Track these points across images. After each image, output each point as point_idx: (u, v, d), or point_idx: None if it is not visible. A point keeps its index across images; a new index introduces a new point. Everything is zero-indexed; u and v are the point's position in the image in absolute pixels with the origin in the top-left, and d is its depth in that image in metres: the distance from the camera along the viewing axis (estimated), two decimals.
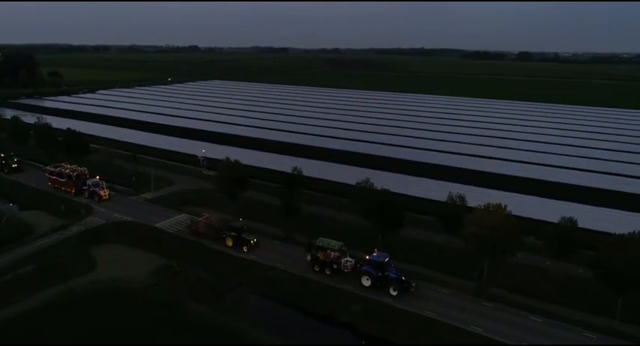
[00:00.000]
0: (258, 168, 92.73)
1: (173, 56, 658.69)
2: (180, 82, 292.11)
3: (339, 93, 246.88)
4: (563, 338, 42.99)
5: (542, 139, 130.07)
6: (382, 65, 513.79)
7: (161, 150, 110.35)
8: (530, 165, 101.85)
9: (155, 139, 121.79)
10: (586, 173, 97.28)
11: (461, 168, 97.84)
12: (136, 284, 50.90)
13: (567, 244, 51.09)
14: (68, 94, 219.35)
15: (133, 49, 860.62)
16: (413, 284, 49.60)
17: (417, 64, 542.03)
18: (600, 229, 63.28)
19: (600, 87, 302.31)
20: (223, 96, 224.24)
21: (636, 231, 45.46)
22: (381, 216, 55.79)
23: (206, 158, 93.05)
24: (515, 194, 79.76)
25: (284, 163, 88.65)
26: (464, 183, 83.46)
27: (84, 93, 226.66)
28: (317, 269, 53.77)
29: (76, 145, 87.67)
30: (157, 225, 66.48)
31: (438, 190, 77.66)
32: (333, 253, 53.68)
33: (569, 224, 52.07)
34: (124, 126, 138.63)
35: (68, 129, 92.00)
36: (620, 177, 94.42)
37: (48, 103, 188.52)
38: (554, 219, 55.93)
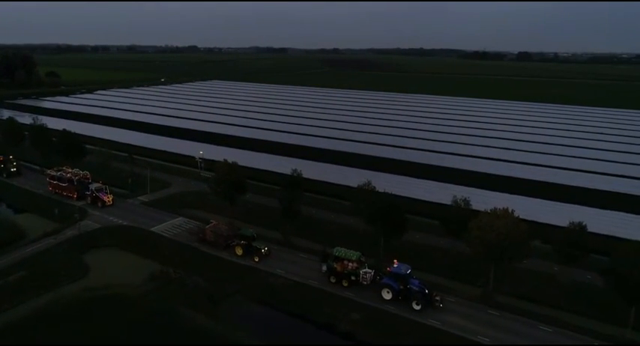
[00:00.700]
0: (257, 169, 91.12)
1: (172, 56, 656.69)
2: (180, 83, 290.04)
3: (338, 93, 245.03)
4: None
5: (546, 140, 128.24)
6: (381, 65, 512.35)
7: (158, 151, 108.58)
8: (535, 167, 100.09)
9: (152, 140, 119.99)
10: (592, 175, 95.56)
11: (464, 170, 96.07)
12: (130, 291, 49.18)
13: (577, 250, 49.42)
14: (66, 95, 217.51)
15: (132, 49, 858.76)
16: (437, 298, 46.70)
17: (416, 64, 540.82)
18: (609, 233, 61.65)
19: (601, 88, 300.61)
20: (222, 96, 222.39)
21: None
22: (384, 219, 53.94)
23: (204, 159, 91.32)
24: (520, 196, 78.10)
25: (283, 165, 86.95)
26: (467, 186, 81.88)
27: (82, 93, 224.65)
28: (333, 281, 50.92)
29: (72, 147, 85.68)
30: (153, 228, 64.73)
31: (441, 193, 76.22)
32: (350, 264, 50.75)
33: (578, 228, 50.38)
34: (122, 127, 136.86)
35: (64, 130, 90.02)
36: (627, 179, 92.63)
37: (45, 104, 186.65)
38: (561, 222, 54.37)
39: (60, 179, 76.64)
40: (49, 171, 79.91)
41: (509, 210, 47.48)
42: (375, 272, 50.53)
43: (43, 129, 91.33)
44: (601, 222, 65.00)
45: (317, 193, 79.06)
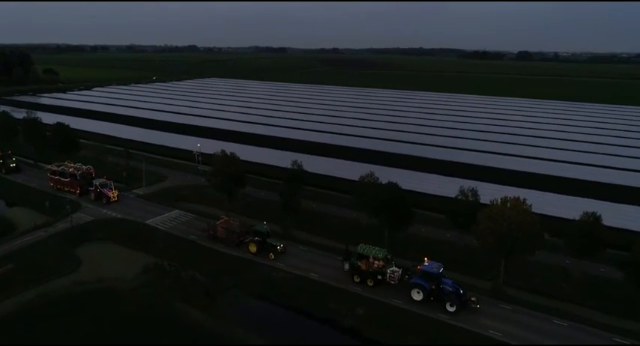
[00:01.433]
0: (257, 163, 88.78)
1: (172, 56, 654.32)
2: (179, 80, 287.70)
3: (337, 90, 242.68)
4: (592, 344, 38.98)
5: (555, 136, 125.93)
6: (381, 64, 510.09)
7: (155, 145, 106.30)
8: (543, 161, 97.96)
9: (150, 135, 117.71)
10: (603, 169, 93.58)
11: (470, 164, 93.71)
12: (122, 285, 46.89)
13: (591, 242, 47.08)
14: (63, 91, 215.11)
15: (131, 48, 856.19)
16: (473, 299, 43.14)
17: (416, 63, 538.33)
18: (623, 226, 59.44)
19: (604, 86, 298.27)
20: (221, 93, 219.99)
21: None
22: (388, 211, 51.54)
23: (202, 154, 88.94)
24: (529, 190, 75.56)
25: (283, 159, 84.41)
26: (474, 179, 79.22)
27: (79, 90, 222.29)
28: (357, 280, 47.78)
29: (66, 140, 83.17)
30: (148, 221, 62.41)
31: (446, 186, 73.98)
32: (376, 262, 47.64)
33: (592, 219, 48.04)
34: (119, 122, 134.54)
35: (57, 123, 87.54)
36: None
37: (42, 100, 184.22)
38: (572, 215, 52.06)
39: (62, 174, 73.27)
40: (49, 166, 76.56)
41: (521, 199, 45.09)
42: (402, 271, 47.40)
43: (36, 122, 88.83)
44: (614, 215, 62.56)
45: (318, 187, 76.80)
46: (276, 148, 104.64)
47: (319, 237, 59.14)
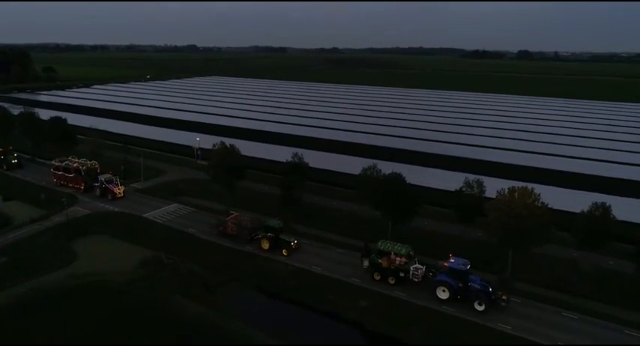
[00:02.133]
0: (257, 158, 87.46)
1: (171, 55, 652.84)
2: (178, 78, 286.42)
3: (337, 88, 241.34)
4: (603, 337, 37.73)
5: (560, 132, 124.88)
6: (381, 63, 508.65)
7: (154, 141, 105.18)
8: (549, 157, 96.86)
9: (148, 130, 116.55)
10: (608, 163, 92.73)
11: (475, 159, 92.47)
12: (119, 278, 45.52)
13: (600, 233, 45.79)
14: (62, 89, 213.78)
15: (131, 48, 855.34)
16: (504, 297, 40.81)
17: (416, 62, 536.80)
18: (631, 220, 58.12)
19: (604, 84, 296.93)
20: (221, 90, 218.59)
21: None
22: (392, 201, 50.16)
23: (202, 149, 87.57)
24: (535, 184, 73.95)
25: (284, 154, 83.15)
26: (478, 174, 78.09)
27: (78, 88, 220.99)
28: (377, 278, 45.59)
29: (63, 134, 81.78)
30: (145, 215, 61.10)
31: (450, 180, 72.50)
32: (398, 259, 45.41)
33: (602, 210, 46.72)
34: (117, 119, 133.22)
35: (55, 117, 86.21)
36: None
37: (40, 97, 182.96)
38: (579, 209, 50.72)
39: (65, 169, 71.18)
40: (53, 161, 74.35)
41: (530, 189, 43.78)
42: (426, 268, 45.27)
43: (33, 116, 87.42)
44: (622, 208, 61.12)
45: (320, 182, 75.47)
46: (277, 144, 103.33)
47: (321, 231, 57.73)
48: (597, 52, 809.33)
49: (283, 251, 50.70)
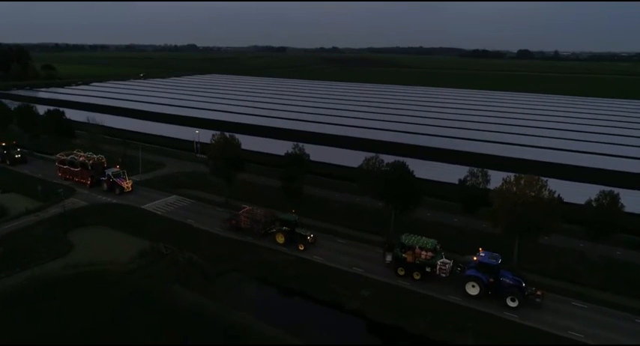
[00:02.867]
0: (257, 152, 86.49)
1: (171, 55, 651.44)
2: (177, 76, 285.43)
3: (336, 85, 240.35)
4: (616, 326, 36.79)
5: (561, 127, 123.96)
6: (380, 63, 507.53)
7: (153, 135, 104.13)
8: (551, 151, 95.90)
9: (148, 126, 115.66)
10: (613, 158, 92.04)
11: (476, 153, 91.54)
12: (116, 268, 44.51)
13: (608, 222, 44.85)
14: (61, 86, 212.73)
15: (130, 48, 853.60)
16: (538, 293, 38.78)
17: (416, 61, 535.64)
18: (637, 211, 57.16)
19: (606, 82, 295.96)
20: (221, 87, 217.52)
21: None
22: (395, 190, 49.07)
23: (200, 143, 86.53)
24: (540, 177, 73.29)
25: (283, 148, 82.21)
26: (481, 167, 77.24)
27: (77, 85, 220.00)
28: (401, 273, 43.64)
29: (59, 126, 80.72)
30: (144, 206, 60.10)
31: (452, 173, 71.48)
32: (424, 253, 43.46)
33: (609, 198, 45.74)
34: (116, 115, 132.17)
35: (52, 109, 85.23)
36: None
37: (39, 94, 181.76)
38: (584, 201, 49.75)
39: (71, 163, 69.30)
40: (58, 155, 72.40)
41: (537, 177, 42.79)
42: (453, 263, 43.13)
43: (30, 109, 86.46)
44: (630, 201, 60.10)
45: (321, 175, 74.50)
46: (277, 138, 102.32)
47: (323, 222, 56.77)
48: (597, 52, 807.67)
49: (299, 245, 48.78)
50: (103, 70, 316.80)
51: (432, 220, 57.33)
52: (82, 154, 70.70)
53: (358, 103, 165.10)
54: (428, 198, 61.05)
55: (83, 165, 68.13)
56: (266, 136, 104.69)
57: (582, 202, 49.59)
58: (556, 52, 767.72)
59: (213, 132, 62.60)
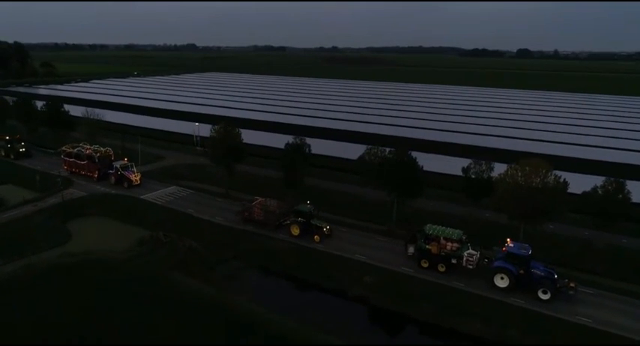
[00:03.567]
0: (256, 145, 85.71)
1: (171, 54, 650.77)
2: (176, 74, 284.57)
3: (336, 82, 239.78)
4: (626, 310, 36.26)
5: (564, 122, 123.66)
6: (380, 61, 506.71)
7: (153, 130, 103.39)
8: (555, 144, 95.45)
9: (147, 120, 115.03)
10: (613, 150, 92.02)
11: (481, 147, 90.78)
12: (115, 256, 43.81)
13: (614, 209, 44.25)
14: (60, 83, 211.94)
15: (130, 47, 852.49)
16: (572, 285, 37.16)
17: (415, 60, 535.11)
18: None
19: (607, 80, 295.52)
20: (220, 84, 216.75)
21: None
22: (398, 177, 48.32)
23: (201, 137, 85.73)
24: None
25: (283, 141, 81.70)
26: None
27: (76, 82, 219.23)
28: (425, 265, 42.02)
29: (58, 117, 79.86)
30: (143, 196, 59.45)
31: (452, 165, 71.00)
32: (449, 244, 41.99)
33: (615, 185, 45.14)
34: (115, 110, 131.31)
35: (49, 101, 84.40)
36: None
37: (38, 91, 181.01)
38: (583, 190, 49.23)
39: (77, 156, 67.80)
40: (64, 148, 70.88)
41: (542, 161, 42.15)
42: (480, 254, 41.43)
43: (28, 102, 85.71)
44: (635, 191, 59.57)
45: (322, 167, 73.83)
46: (278, 132, 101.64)
47: (322, 213, 56.03)
48: (597, 52, 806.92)
49: (315, 237, 47.42)
50: (102, 68, 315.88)
51: (434, 210, 56.68)
52: (89, 147, 69.26)
53: (357, 99, 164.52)
54: (430, 189, 60.60)
55: (90, 157, 66.57)
56: (266, 130, 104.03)
57: (587, 191, 48.91)
58: (556, 52, 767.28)
59: (213, 126, 62.10)
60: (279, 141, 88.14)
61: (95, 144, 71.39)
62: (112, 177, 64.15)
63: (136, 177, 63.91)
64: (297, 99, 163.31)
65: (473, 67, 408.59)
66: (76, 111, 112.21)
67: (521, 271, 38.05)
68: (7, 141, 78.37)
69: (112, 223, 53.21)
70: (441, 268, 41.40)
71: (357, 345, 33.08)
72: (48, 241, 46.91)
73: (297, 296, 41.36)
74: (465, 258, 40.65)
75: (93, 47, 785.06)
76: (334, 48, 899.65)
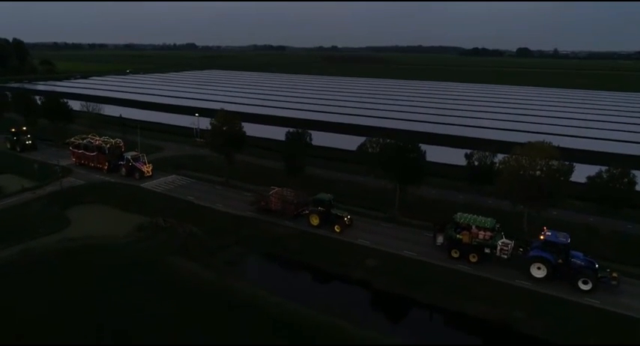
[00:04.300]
0: (257, 137, 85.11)
1: (171, 53, 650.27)
2: (176, 71, 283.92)
3: (336, 80, 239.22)
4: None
5: (566, 116, 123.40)
6: (380, 60, 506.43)
7: (152, 123, 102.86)
8: (557, 137, 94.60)
9: (146, 114, 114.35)
10: (614, 142, 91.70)
11: (483, 139, 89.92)
12: (114, 241, 43.31)
13: (619, 196, 43.80)
14: (59, 80, 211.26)
15: (129, 47, 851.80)
16: (614, 275, 35.45)
17: (415, 59, 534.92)
18: None
19: (608, 78, 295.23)
20: (219, 81, 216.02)
21: None
22: (400, 162, 47.81)
23: (200, 129, 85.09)
24: None
25: (283, 133, 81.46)
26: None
27: (76, 79, 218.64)
28: (455, 256, 40.38)
29: (57, 109, 79.23)
30: (143, 185, 58.96)
31: (456, 156, 70.46)
32: (482, 233, 40.03)
33: (620, 170, 44.68)
34: (115, 105, 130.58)
35: (49, 92, 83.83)
36: None
37: (37, 87, 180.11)
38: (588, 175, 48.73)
39: (86, 148, 66.54)
40: (72, 139, 69.38)
41: (547, 143, 41.67)
42: (515, 243, 39.70)
43: (25, 92, 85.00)
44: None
45: (323, 158, 73.37)
46: (279, 125, 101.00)
47: None
48: (596, 51, 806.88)
49: (335, 227, 45.75)
50: (101, 67, 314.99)
51: (437, 198, 56.23)
52: (98, 138, 68.16)
53: (357, 94, 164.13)
54: (431, 178, 60.12)
55: (100, 149, 65.37)
56: (266, 123, 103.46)
57: (592, 175, 48.40)
58: (555, 51, 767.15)
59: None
60: (279, 133, 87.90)
61: (104, 136, 70.31)
62: (123, 169, 62.73)
63: (147, 168, 62.65)
64: (297, 94, 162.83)
65: (473, 66, 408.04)
66: (75, 105, 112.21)
67: (560, 260, 36.40)
68: (14, 134, 77.22)
69: (112, 211, 52.60)
70: (473, 258, 39.74)
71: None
72: (46, 227, 46.29)
73: (300, 280, 40.79)
74: (499, 247, 38.96)
75: (92, 46, 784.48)
76: (334, 47, 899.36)
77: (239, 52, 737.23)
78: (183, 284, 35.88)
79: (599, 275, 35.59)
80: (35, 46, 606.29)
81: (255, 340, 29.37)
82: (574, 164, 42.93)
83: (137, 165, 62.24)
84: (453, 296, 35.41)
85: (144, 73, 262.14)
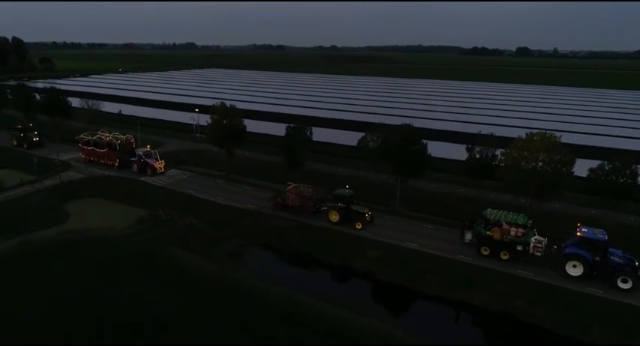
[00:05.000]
0: (257, 133, 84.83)
1: (170, 52, 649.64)
2: (176, 69, 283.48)
3: (336, 78, 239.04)
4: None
5: (567, 113, 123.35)
6: (380, 60, 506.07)
7: (151, 119, 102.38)
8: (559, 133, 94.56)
9: (146, 111, 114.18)
10: (615, 138, 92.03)
11: (483, 134, 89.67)
12: (114, 233, 42.96)
13: (621, 188, 43.57)
14: (59, 78, 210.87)
15: (128, 46, 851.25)
16: None
17: (415, 59, 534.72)
18: None
19: (609, 77, 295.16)
20: (219, 79, 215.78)
21: None
22: (402, 153, 47.54)
23: (200, 126, 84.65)
24: None
25: (283, 129, 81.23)
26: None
27: (75, 77, 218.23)
28: (485, 253, 38.67)
29: (56, 104, 78.83)
30: (143, 178, 58.66)
31: (456, 151, 70.32)
32: (514, 229, 38.39)
33: (624, 161, 44.44)
34: (115, 102, 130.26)
35: (50, 87, 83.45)
36: None
37: (37, 85, 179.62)
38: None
39: (97, 144, 65.32)
40: (82, 136, 67.94)
41: (550, 134, 41.39)
42: (548, 240, 38.02)
43: (23, 87, 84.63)
44: None
45: (323, 153, 73.11)
46: (279, 121, 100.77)
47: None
48: (596, 51, 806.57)
49: (356, 224, 44.45)
50: (101, 66, 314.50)
51: (438, 191, 55.97)
52: (108, 134, 67.00)
53: (357, 92, 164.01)
54: (431, 172, 59.91)
55: (110, 145, 64.06)
56: (266, 120, 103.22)
57: (594, 167, 48.21)
58: (555, 50, 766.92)
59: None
60: (279, 129, 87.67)
61: (115, 132, 69.38)
62: (135, 165, 61.59)
63: (160, 165, 61.46)
64: (297, 92, 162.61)
65: (473, 65, 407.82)
66: (75, 103, 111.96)
67: (597, 258, 34.89)
68: (20, 131, 75.97)
69: (111, 204, 52.31)
70: (504, 256, 38.19)
71: None
72: (45, 220, 45.96)
73: (300, 271, 40.50)
74: (532, 244, 37.44)
75: (91, 46, 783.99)
76: (333, 47, 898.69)
77: (239, 52, 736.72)
78: (184, 275, 35.55)
79: (638, 273, 34.05)
80: (35, 45, 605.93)
81: (263, 329, 28.99)
82: (576, 158, 42.55)
83: (149, 161, 61.20)
84: (455, 286, 35.22)
85: (142, 72, 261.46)
